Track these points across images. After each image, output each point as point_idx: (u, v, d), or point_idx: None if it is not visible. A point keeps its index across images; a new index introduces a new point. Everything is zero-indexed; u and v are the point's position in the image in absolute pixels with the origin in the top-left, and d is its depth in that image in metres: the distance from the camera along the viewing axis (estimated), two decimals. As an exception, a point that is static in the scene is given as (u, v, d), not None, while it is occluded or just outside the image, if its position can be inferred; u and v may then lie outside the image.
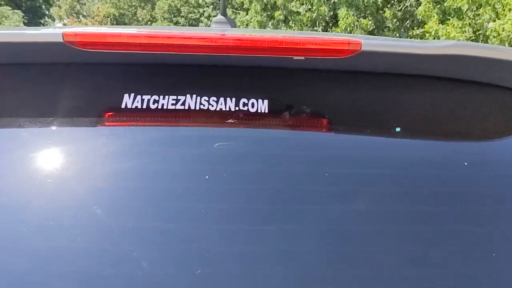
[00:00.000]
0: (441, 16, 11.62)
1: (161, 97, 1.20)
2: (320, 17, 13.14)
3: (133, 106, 1.19)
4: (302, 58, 1.19)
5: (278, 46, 1.15)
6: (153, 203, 1.01)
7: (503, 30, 9.48)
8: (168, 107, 1.19)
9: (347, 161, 1.15)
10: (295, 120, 1.24)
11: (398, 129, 1.16)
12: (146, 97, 1.20)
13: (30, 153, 1.11)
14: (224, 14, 2.14)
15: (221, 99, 1.21)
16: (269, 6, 14.14)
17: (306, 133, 1.23)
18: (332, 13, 13.52)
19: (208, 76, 1.26)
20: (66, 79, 1.20)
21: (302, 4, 13.65)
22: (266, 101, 1.20)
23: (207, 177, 1.06)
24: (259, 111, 1.20)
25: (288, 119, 1.23)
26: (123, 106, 1.19)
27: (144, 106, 1.19)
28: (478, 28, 10.75)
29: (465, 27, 11.06)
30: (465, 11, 10.78)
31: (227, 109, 1.20)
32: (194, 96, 1.21)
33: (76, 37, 1.13)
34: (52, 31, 1.15)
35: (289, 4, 13.53)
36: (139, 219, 0.99)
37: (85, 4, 41.66)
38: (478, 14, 10.66)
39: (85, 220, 0.97)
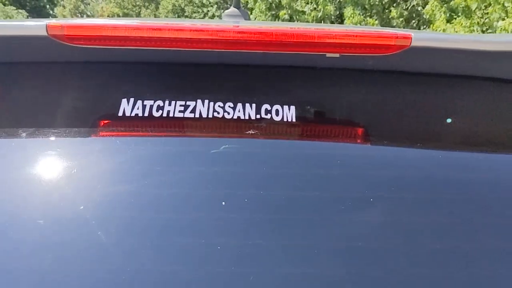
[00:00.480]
0: (448, 15, 11.38)
1: (167, 102, 1.00)
2: (326, 16, 12.92)
3: (133, 114, 0.98)
4: (337, 55, 0.98)
5: (309, 41, 0.95)
6: (158, 242, 0.80)
7: (513, 29, 9.26)
8: (175, 115, 0.98)
9: (393, 180, 0.94)
10: (327, 130, 1.03)
11: (449, 120, 1.01)
12: (148, 103, 0.99)
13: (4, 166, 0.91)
14: (237, 6, 1.91)
15: (239, 105, 1.00)
16: (273, 5, 13.92)
17: (340, 145, 1.02)
18: (338, 12, 13.29)
19: (223, 78, 1.06)
20: (52, 81, 1.04)
21: (308, 3, 13.42)
22: (292, 108, 0.99)
23: (223, 203, 0.85)
24: (284, 119, 0.99)
25: (319, 129, 1.02)
26: (120, 113, 0.98)
27: (146, 114, 0.98)
28: (487, 27, 10.52)
29: (473, 26, 10.82)
30: (474, 10, 10.54)
31: (246, 117, 0.99)
32: (206, 101, 1.00)
33: (62, 30, 0.93)
34: (34, 23, 0.95)
35: (294, 4, 13.30)
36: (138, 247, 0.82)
37: (89, 4, 41.60)
38: (487, 13, 10.43)
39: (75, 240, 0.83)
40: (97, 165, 0.95)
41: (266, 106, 1.01)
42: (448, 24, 11.36)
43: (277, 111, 1.01)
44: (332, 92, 1.05)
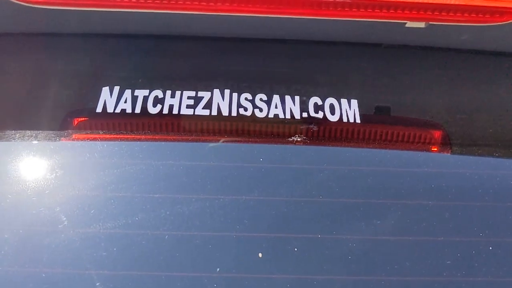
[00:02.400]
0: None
1: (169, 93, 0.68)
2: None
3: (118, 110, 0.67)
4: (422, 25, 0.66)
5: (382, 0, 0.63)
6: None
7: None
8: (182, 112, 0.66)
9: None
10: (404, 130, 0.74)
11: None
12: (141, 93, 0.67)
13: None
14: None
15: (276, 98, 0.68)
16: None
17: (413, 153, 0.73)
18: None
19: (251, 57, 0.75)
20: (12, 57, 0.75)
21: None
22: (354, 102, 0.67)
23: (260, 255, 0.54)
24: (344, 118, 0.68)
25: (392, 130, 0.73)
26: (99, 109, 0.67)
27: (138, 110, 0.66)
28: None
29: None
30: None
31: (286, 115, 0.67)
32: (228, 92, 0.68)
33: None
34: None
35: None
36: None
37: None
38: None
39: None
40: (71, 170, 0.65)
41: (316, 99, 0.69)
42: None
43: (331, 107, 0.69)
44: (412, 80, 0.74)
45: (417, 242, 0.63)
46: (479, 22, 0.66)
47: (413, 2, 0.64)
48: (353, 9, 0.65)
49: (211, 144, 0.69)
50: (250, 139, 0.69)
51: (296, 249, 0.56)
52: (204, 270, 0.55)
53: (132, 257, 0.57)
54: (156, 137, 0.69)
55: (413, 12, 0.65)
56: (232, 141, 0.68)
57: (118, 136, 0.70)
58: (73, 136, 0.71)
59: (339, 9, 0.65)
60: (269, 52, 0.76)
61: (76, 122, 0.74)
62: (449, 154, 0.77)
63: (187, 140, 0.70)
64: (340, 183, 0.64)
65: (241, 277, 0.54)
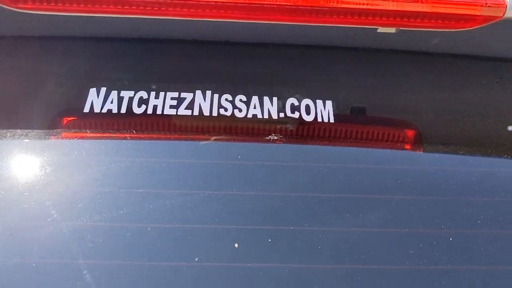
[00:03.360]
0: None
1: (153, 94, 0.71)
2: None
3: (104, 110, 0.70)
4: (393, 30, 0.70)
5: (353, 7, 0.66)
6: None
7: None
8: (165, 112, 0.70)
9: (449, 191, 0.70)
10: (377, 130, 0.77)
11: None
12: (126, 94, 0.70)
13: None
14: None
15: (255, 99, 0.72)
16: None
17: (390, 152, 0.77)
18: None
19: (232, 60, 0.77)
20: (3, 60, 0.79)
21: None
22: (329, 103, 0.71)
23: (236, 245, 0.58)
24: (319, 118, 0.71)
25: (362, 132, 0.76)
26: (86, 109, 0.70)
27: (123, 110, 0.69)
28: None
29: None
30: None
31: (265, 115, 0.71)
32: (209, 93, 0.71)
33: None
34: None
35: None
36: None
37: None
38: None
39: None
40: (59, 173, 0.67)
41: (292, 100, 0.73)
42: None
43: (307, 107, 0.73)
44: (385, 82, 0.77)
45: (389, 235, 0.64)
46: (446, 28, 0.69)
47: (382, 10, 0.68)
48: (327, 16, 0.69)
49: (202, 143, 0.73)
50: (230, 138, 0.72)
51: (270, 240, 0.60)
52: (183, 259, 0.58)
53: (116, 247, 0.60)
54: (141, 136, 0.73)
55: (383, 18, 0.69)
56: (212, 140, 0.72)
57: (104, 135, 0.73)
58: (62, 134, 0.74)
59: (313, 16, 0.68)
60: (249, 56, 0.79)
61: (65, 121, 0.77)
62: (420, 152, 0.81)
63: (169, 139, 0.73)
64: (313, 178, 0.68)
65: (218, 265, 0.58)
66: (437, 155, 0.78)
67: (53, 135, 0.73)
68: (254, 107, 0.73)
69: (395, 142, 0.78)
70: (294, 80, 0.78)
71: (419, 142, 0.79)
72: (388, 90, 0.80)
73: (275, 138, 0.69)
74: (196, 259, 0.59)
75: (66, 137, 0.73)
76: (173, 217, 0.62)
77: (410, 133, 0.80)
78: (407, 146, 0.80)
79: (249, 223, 0.63)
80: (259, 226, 0.62)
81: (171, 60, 0.79)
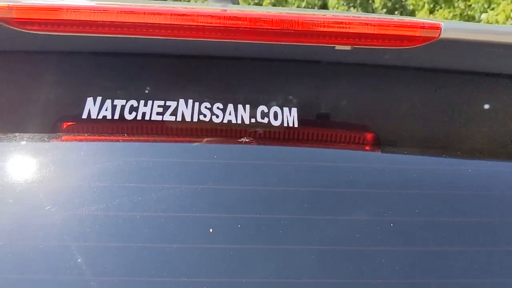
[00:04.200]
0: (431, 6, 11.33)
1: (142, 103, 0.82)
2: (309, 6, 12.74)
3: (100, 116, 0.80)
4: (348, 48, 0.81)
5: (315, 30, 0.78)
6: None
7: (496, 22, 9.21)
8: (152, 118, 0.81)
9: (403, 188, 0.79)
10: (336, 136, 0.86)
11: None
12: (119, 103, 0.81)
13: None
14: (225, -12, 1.70)
15: (230, 107, 0.83)
16: (256, -6, 13.69)
17: (347, 152, 0.86)
18: (321, 2, 13.13)
19: (211, 74, 0.87)
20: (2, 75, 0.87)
21: (291, -9, 13.22)
22: (295, 110, 0.82)
23: (211, 230, 0.68)
24: (285, 124, 0.83)
25: (326, 135, 0.85)
26: (84, 115, 0.80)
27: (116, 116, 0.80)
28: (470, 19, 10.48)
29: (455, 18, 10.80)
30: (457, 1, 10.51)
31: (239, 121, 0.82)
32: (190, 102, 0.82)
33: (10, 12, 0.74)
34: None
35: (277, -8, 13.09)
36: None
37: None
38: (470, 5, 10.40)
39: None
40: (56, 175, 0.76)
41: (262, 108, 0.84)
42: (431, 15, 11.34)
43: (275, 114, 0.84)
44: (343, 93, 0.89)
45: (352, 234, 0.72)
46: (393, 46, 0.81)
47: (338, 32, 0.79)
48: (292, 37, 0.80)
49: (184, 144, 0.83)
50: (208, 140, 0.83)
51: (239, 225, 0.71)
52: (163, 243, 0.69)
53: (104, 235, 0.69)
54: (131, 139, 0.83)
55: (338, 39, 0.80)
56: (192, 141, 0.83)
57: (99, 138, 0.83)
58: (62, 137, 0.85)
59: (279, 37, 0.80)
60: (226, 70, 0.89)
61: (65, 126, 0.87)
62: (379, 152, 0.92)
63: (156, 141, 0.84)
64: (279, 177, 0.79)
65: (193, 247, 0.70)
66: (390, 155, 0.89)
67: (55, 138, 0.83)
68: (230, 114, 0.84)
69: (353, 144, 0.90)
70: (264, 90, 0.89)
71: (374, 143, 0.91)
72: (345, 98, 0.91)
73: (247, 140, 0.81)
74: (174, 246, 0.69)
75: (66, 140, 0.83)
76: (155, 207, 0.71)
77: (366, 135, 0.91)
78: (365, 147, 0.92)
79: (217, 212, 0.72)
80: (226, 214, 0.72)
81: (158, 73, 0.89)
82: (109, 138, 0.82)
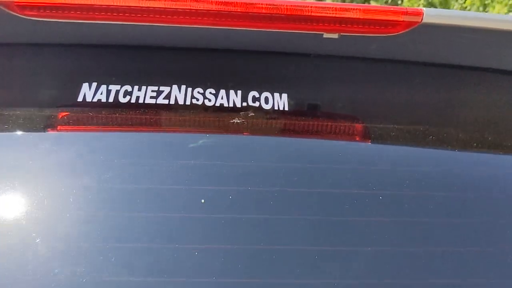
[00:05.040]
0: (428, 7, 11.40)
1: (136, 87, 0.85)
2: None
3: (95, 99, 0.83)
4: (336, 36, 0.84)
5: (302, 14, 0.80)
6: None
7: (492, 23, 9.27)
8: (146, 101, 0.83)
9: (391, 177, 0.81)
10: (324, 123, 0.91)
11: None
12: (114, 88, 0.84)
13: None
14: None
15: (222, 92, 0.86)
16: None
17: (334, 144, 0.89)
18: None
19: (203, 60, 0.91)
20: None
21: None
22: (285, 95, 0.86)
23: (202, 201, 0.71)
24: (275, 107, 0.86)
25: (314, 121, 0.88)
26: (80, 99, 0.83)
27: (111, 99, 0.83)
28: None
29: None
30: (453, 5, 10.57)
31: (229, 104, 0.85)
32: (184, 87, 0.86)
33: (10, -4, 0.77)
34: None
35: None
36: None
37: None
38: (466, 8, 10.45)
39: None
40: (53, 158, 0.79)
41: (253, 93, 0.87)
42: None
43: (266, 98, 0.87)
44: (331, 80, 0.92)
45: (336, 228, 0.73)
46: (377, 32, 0.83)
47: (325, 17, 0.82)
48: (278, 23, 0.83)
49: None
50: (200, 121, 0.86)
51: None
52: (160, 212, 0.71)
53: (97, 225, 0.69)
54: (125, 124, 0.86)
55: (326, 24, 0.83)
56: (185, 124, 0.86)
57: (94, 121, 0.86)
58: (58, 119, 0.86)
59: (268, 22, 0.82)
60: (219, 61, 0.92)
61: (60, 110, 0.89)
62: (369, 143, 0.93)
63: (150, 125, 0.87)
64: (270, 155, 0.81)
65: (187, 216, 0.72)
66: (378, 146, 0.89)
67: (52, 120, 0.85)
68: (222, 98, 0.87)
69: (341, 135, 0.91)
70: (256, 78, 0.92)
71: (362, 134, 0.93)
72: (331, 88, 0.95)
73: (238, 121, 0.84)
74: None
75: (61, 123, 0.86)
76: (147, 192, 0.73)
77: (354, 126, 0.93)
78: (355, 138, 0.93)
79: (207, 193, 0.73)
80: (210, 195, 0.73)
81: (152, 62, 0.92)
82: (103, 127, 0.85)
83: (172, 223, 0.71)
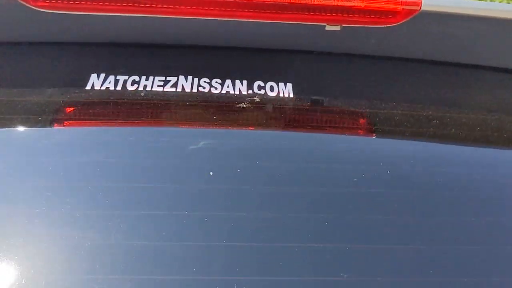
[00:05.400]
0: None
1: (144, 77, 0.86)
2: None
3: (103, 87, 0.85)
4: (338, 28, 0.87)
5: (305, 3, 0.83)
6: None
7: None
8: (153, 89, 0.85)
9: (393, 169, 0.80)
10: (324, 121, 0.91)
11: None
12: (122, 78, 0.85)
13: None
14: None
15: (228, 81, 0.88)
16: None
17: (337, 138, 0.89)
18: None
19: (209, 52, 0.94)
20: (15, 52, 0.91)
21: None
22: (289, 85, 0.89)
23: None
24: (280, 94, 0.87)
25: (316, 115, 0.90)
26: (88, 87, 0.84)
27: (119, 88, 0.84)
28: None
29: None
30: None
31: (235, 91, 0.86)
32: (190, 77, 0.87)
33: (25, -13, 0.80)
34: None
35: None
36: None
37: None
38: None
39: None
40: (60, 149, 0.78)
41: (259, 82, 0.89)
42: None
43: (271, 87, 0.88)
44: (329, 80, 0.94)
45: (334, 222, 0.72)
46: (377, 23, 0.85)
47: (326, 5, 0.85)
48: (280, 12, 0.85)
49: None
50: (206, 106, 0.87)
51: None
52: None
53: (92, 217, 0.68)
54: (131, 110, 0.87)
55: (327, 14, 0.86)
56: (191, 109, 0.86)
57: (101, 106, 0.86)
58: (67, 107, 0.87)
59: (267, 11, 0.85)
60: (224, 55, 0.96)
61: (68, 97, 0.88)
62: (372, 137, 0.93)
63: (157, 112, 0.87)
64: (275, 143, 0.82)
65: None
66: (380, 140, 0.89)
67: (63, 106, 0.85)
68: (227, 86, 0.88)
69: (344, 129, 0.92)
70: (262, 70, 0.94)
71: (365, 130, 0.93)
72: (333, 84, 0.96)
73: (244, 106, 0.84)
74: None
75: (69, 111, 0.85)
76: (143, 183, 0.72)
77: (357, 121, 0.94)
78: (358, 132, 0.93)
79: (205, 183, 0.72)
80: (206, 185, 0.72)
81: (159, 55, 0.95)
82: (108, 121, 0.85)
83: (185, 217, 0.69)
